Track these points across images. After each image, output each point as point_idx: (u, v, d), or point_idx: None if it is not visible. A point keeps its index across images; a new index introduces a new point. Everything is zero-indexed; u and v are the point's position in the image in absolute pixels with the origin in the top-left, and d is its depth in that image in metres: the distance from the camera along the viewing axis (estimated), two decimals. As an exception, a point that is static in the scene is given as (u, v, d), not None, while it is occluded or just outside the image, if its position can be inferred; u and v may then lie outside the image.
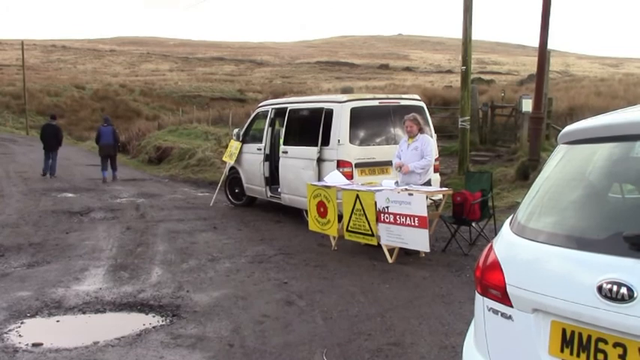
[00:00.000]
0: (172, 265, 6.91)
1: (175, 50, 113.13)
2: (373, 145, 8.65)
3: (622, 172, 2.37)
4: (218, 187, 11.96)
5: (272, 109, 10.33)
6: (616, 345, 2.06)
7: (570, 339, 2.19)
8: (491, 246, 2.62)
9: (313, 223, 7.83)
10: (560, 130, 2.72)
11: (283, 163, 9.51)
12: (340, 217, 7.43)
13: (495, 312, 2.47)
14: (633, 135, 2.24)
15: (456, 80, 42.18)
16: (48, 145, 16.62)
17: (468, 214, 7.29)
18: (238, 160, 11.00)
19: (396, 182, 7.57)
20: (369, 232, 7.02)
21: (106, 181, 15.63)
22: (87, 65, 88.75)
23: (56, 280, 6.31)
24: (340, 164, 8.35)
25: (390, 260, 6.86)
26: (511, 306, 2.39)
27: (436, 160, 8.54)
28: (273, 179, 10.17)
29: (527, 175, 11.16)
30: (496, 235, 2.81)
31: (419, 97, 9.39)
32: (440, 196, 7.70)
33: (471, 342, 2.74)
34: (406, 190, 6.90)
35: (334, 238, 7.61)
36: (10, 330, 4.86)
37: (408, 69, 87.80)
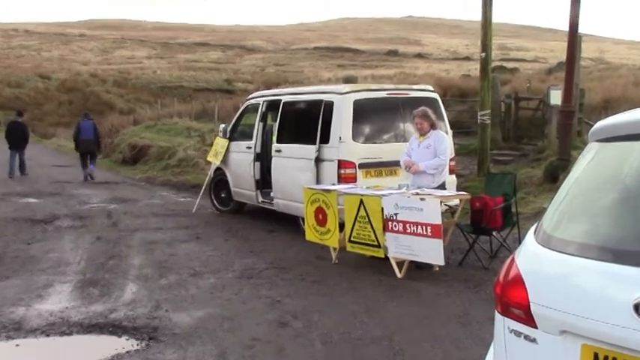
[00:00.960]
0: (149, 281, 6.94)
1: (153, 35, 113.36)
2: (380, 142, 8.62)
3: None
4: (202, 191, 11.95)
5: (264, 101, 10.32)
6: (655, 372, 2.04)
7: (603, 365, 2.17)
8: (513, 258, 2.63)
9: (311, 233, 7.83)
10: (592, 126, 2.70)
11: (276, 163, 9.50)
12: (342, 226, 7.44)
13: (518, 334, 2.46)
14: None
15: (474, 68, 42.25)
16: (14, 144, 17.29)
17: (488, 222, 7.28)
18: (225, 160, 10.98)
19: (406, 186, 7.49)
20: (375, 243, 7.02)
21: (87, 179, 16.32)
22: (53, 52, 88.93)
23: (16, 297, 6.29)
24: (342, 165, 8.33)
25: (398, 275, 6.86)
26: (535, 327, 2.38)
27: (451, 159, 8.47)
28: (264, 182, 10.15)
29: (556, 176, 11.13)
30: (519, 245, 2.83)
31: (432, 88, 9.34)
32: (456, 201, 7.64)
33: (490, 368, 2.70)
34: (417, 194, 6.87)
35: (335, 249, 7.60)
36: (-38, 355, 4.85)
37: (419, 56, 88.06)
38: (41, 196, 13.70)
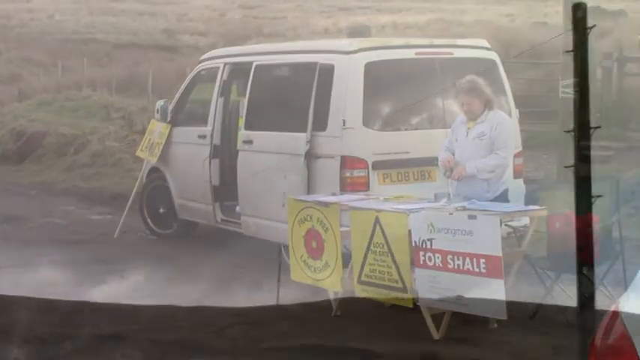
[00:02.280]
0: (45, 347, 6.70)
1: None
2: (406, 129, 8.63)
3: None
4: (128, 205, 11.67)
5: (225, 65, 10.24)
6: None
7: None
8: (617, 311, 2.84)
9: (299, 269, 7.69)
10: None
11: (245, 161, 9.45)
12: (347, 259, 7.29)
13: None
14: None
15: (554, 12, 41.47)
16: None
17: (577, 254, 6.85)
18: (165, 156, 10.89)
19: (447, 197, 7.28)
20: (399, 285, 6.85)
21: None
22: None
23: None
24: (347, 164, 8.26)
25: (435, 335, 6.63)
26: None
27: (517, 155, 8.51)
28: (227, 190, 10.00)
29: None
30: (625, 290, 3.10)
31: (487, 44, 9.29)
32: (525, 220, 7.55)
33: None
34: (464, 209, 6.80)
35: (336, 294, 7.44)
36: None
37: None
38: None
